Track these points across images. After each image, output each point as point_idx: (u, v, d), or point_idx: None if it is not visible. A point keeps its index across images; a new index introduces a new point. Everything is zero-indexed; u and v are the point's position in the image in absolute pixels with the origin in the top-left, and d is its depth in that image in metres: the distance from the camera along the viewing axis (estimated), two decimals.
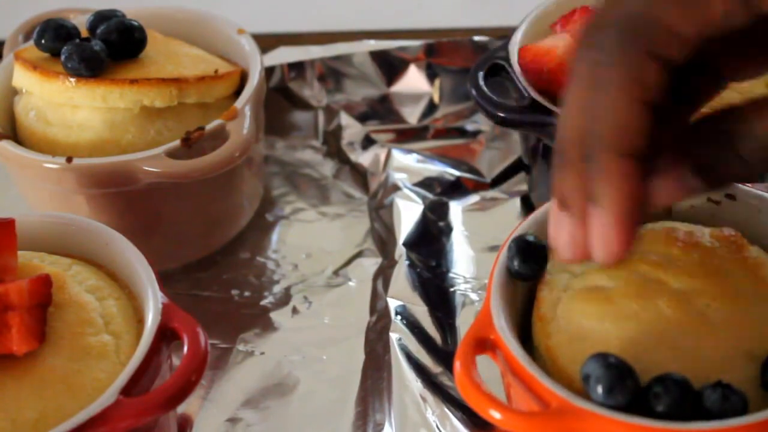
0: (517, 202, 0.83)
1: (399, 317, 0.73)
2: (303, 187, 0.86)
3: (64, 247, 0.64)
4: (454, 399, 0.67)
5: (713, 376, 0.52)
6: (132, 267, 0.62)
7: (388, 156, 0.87)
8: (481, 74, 0.75)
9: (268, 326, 0.75)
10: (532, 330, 0.58)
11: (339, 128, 0.90)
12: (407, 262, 0.77)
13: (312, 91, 0.92)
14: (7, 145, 0.73)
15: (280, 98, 0.91)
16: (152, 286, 0.60)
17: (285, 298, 0.77)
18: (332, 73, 0.92)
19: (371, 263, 0.79)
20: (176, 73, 0.75)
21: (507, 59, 0.74)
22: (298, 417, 0.68)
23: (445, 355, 0.70)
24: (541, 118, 0.70)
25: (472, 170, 0.86)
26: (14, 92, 0.78)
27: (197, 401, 0.69)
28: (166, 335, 0.58)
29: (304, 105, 0.92)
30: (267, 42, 0.89)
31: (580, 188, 0.49)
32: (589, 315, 0.56)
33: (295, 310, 0.76)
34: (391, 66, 0.92)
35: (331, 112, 0.91)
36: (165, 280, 0.61)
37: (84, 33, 0.77)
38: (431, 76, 0.92)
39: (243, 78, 0.79)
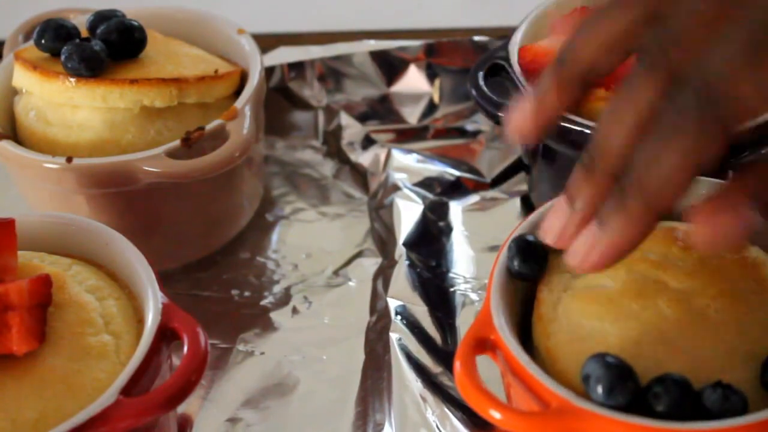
0: (517, 202, 0.82)
1: (399, 317, 0.73)
2: (303, 187, 0.86)
3: (64, 247, 0.64)
4: (454, 399, 0.67)
5: (713, 376, 0.52)
6: (132, 267, 0.62)
7: (388, 156, 0.87)
8: (481, 74, 0.74)
9: (268, 326, 0.75)
10: (532, 330, 0.58)
11: (339, 128, 0.90)
12: (407, 262, 0.77)
13: (312, 91, 0.92)
14: (7, 145, 0.73)
15: (280, 98, 0.91)
16: (152, 286, 0.60)
17: (285, 298, 0.77)
18: (332, 73, 0.91)
19: (371, 263, 0.79)
20: (176, 73, 0.75)
21: (507, 59, 0.74)
22: (298, 417, 0.68)
23: (445, 355, 0.70)
24: None
25: (472, 170, 0.86)
26: (14, 92, 0.78)
27: (197, 401, 0.69)
28: (166, 335, 0.58)
29: (304, 105, 0.92)
30: (267, 42, 0.89)
31: (595, 200, 0.49)
32: (589, 315, 0.56)
33: (295, 310, 0.76)
34: (391, 66, 0.91)
35: (331, 112, 0.91)
36: (165, 280, 0.61)
37: (84, 33, 0.77)
38: (431, 76, 0.92)
39: (243, 78, 0.79)
